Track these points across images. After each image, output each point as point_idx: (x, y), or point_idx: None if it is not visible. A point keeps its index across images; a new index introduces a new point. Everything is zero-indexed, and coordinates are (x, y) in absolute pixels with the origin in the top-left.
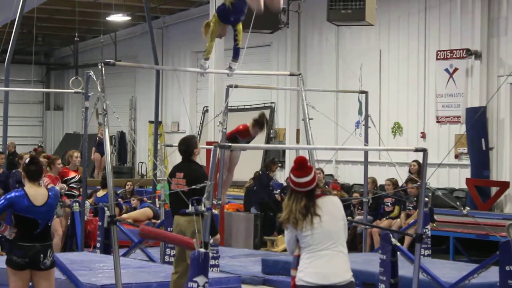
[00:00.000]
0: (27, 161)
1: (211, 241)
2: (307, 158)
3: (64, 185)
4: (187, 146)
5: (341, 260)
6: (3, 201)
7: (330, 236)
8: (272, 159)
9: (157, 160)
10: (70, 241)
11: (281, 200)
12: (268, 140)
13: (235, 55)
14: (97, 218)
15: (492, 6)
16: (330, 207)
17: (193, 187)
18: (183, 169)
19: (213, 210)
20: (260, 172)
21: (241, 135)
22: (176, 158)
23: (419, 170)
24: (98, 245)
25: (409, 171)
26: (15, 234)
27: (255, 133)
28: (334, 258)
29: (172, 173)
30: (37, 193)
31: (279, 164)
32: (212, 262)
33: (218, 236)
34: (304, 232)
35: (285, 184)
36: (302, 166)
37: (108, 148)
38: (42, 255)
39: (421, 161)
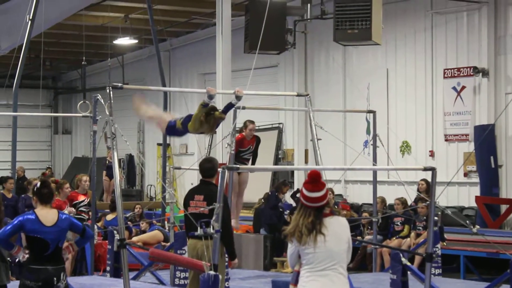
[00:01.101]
0: (38, 185)
1: (229, 264)
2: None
3: (73, 209)
4: (214, 164)
5: (340, 282)
6: (14, 222)
7: (332, 257)
8: (284, 181)
9: (166, 182)
10: (80, 265)
11: (291, 221)
12: (277, 160)
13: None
14: (107, 241)
15: (498, 24)
16: (337, 228)
17: (210, 207)
18: (203, 191)
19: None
20: (269, 193)
21: (242, 145)
22: (185, 180)
23: (427, 189)
24: (108, 268)
25: (418, 190)
26: (27, 256)
27: (249, 134)
28: (333, 279)
29: (190, 196)
30: (47, 214)
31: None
32: None
33: (236, 260)
34: (306, 248)
35: (294, 204)
36: (315, 180)
37: (117, 171)
38: (55, 278)
39: (429, 179)
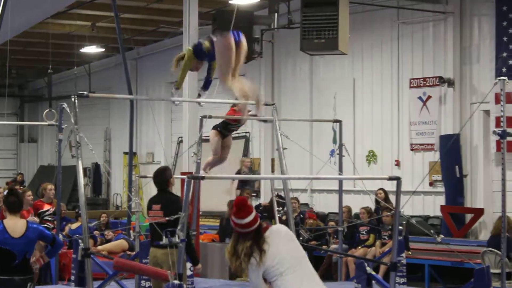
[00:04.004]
0: (5, 193)
1: (194, 270)
2: (282, 187)
3: (36, 218)
4: (163, 176)
5: (314, 278)
6: None
7: (294, 258)
8: (246, 188)
9: (131, 191)
10: (45, 274)
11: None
12: None
13: (206, 86)
14: (72, 250)
15: (464, 34)
16: (280, 233)
17: (168, 218)
18: (160, 201)
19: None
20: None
21: (231, 120)
22: (151, 189)
23: (386, 198)
24: (72, 278)
25: (376, 200)
26: None
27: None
28: (307, 277)
29: (149, 205)
30: (15, 225)
31: (254, 194)
32: None
33: (200, 265)
34: (269, 265)
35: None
36: (243, 207)
37: (81, 180)
38: None
39: (388, 189)
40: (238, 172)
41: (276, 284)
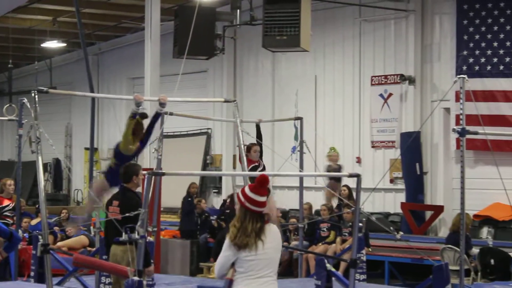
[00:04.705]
0: None
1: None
2: (244, 183)
3: None
4: (128, 170)
5: None
6: None
7: (271, 264)
8: (191, 184)
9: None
10: (4, 270)
11: (218, 226)
12: (205, 166)
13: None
14: (31, 246)
15: (425, 32)
16: (275, 236)
17: (126, 215)
18: (119, 198)
19: (149, 238)
20: (183, 200)
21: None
22: None
23: (349, 195)
24: (32, 274)
25: (339, 196)
26: None
27: (255, 156)
28: (270, 286)
29: (109, 201)
30: None
31: (215, 191)
32: None
33: (151, 267)
34: (249, 256)
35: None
36: (265, 185)
37: (41, 176)
38: None
39: (353, 185)
40: (328, 168)
41: (238, 277)
